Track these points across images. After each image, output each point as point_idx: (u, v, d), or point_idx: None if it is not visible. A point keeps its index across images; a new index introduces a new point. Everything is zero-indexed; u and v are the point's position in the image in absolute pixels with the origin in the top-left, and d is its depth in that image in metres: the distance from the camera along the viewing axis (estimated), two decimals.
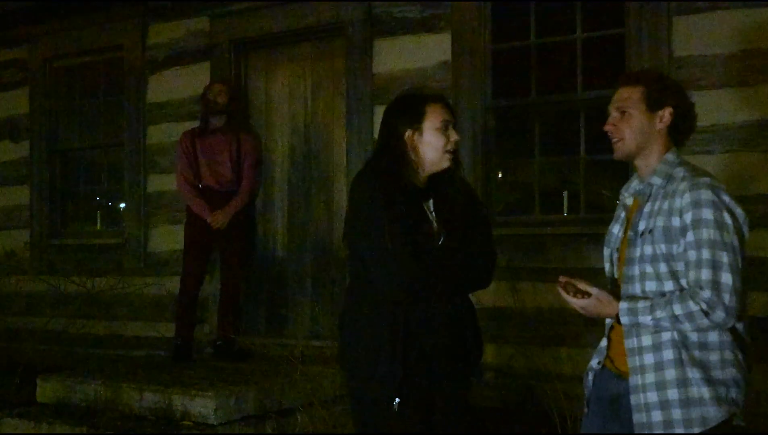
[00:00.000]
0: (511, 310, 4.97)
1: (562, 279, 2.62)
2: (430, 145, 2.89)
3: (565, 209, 5.25)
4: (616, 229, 2.74)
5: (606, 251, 2.77)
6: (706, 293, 2.39)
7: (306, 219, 6.06)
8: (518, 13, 5.23)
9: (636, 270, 2.57)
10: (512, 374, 5.00)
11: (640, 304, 2.49)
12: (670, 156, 2.63)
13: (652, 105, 2.62)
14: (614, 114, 2.68)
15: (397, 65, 5.54)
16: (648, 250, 2.53)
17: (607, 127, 2.70)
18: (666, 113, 2.62)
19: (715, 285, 2.39)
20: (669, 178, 2.57)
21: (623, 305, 2.52)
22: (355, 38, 5.68)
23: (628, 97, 2.65)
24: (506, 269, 4.80)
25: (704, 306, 2.38)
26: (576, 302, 2.59)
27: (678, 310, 2.41)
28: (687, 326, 2.42)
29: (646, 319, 2.47)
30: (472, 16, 5.26)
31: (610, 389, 2.67)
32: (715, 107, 4.51)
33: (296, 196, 6.13)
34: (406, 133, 2.89)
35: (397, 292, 2.78)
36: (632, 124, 2.64)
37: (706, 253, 2.41)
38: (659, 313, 2.44)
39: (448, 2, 5.32)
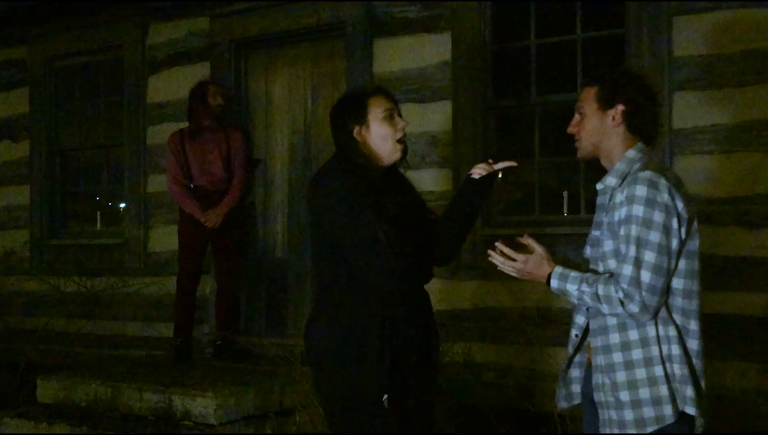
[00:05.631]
0: (511, 310, 4.97)
1: (500, 245, 2.67)
2: (380, 136, 2.94)
3: (565, 209, 5.25)
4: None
5: (588, 250, 2.76)
6: (625, 286, 2.44)
7: (306, 219, 6.05)
8: (518, 13, 5.23)
9: (596, 269, 2.63)
10: (512, 374, 5.00)
11: (573, 274, 2.56)
12: (631, 152, 2.63)
13: (604, 104, 2.64)
14: (575, 116, 2.73)
15: (397, 65, 5.54)
16: (602, 248, 2.59)
17: (569, 130, 2.75)
18: (617, 111, 2.63)
19: (634, 281, 2.43)
20: (626, 176, 2.58)
21: (558, 269, 2.58)
22: (355, 38, 5.68)
23: (584, 98, 2.70)
24: None
25: (622, 295, 2.44)
26: (511, 265, 2.64)
27: (601, 290, 2.48)
28: (604, 308, 2.49)
29: (572, 287, 2.54)
30: (472, 16, 5.26)
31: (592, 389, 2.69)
32: (715, 107, 4.51)
33: (296, 196, 6.13)
34: (355, 130, 2.94)
35: (388, 282, 2.79)
36: (586, 126, 2.68)
37: (631, 250, 2.45)
38: (585, 287, 2.51)
39: (448, 2, 5.32)
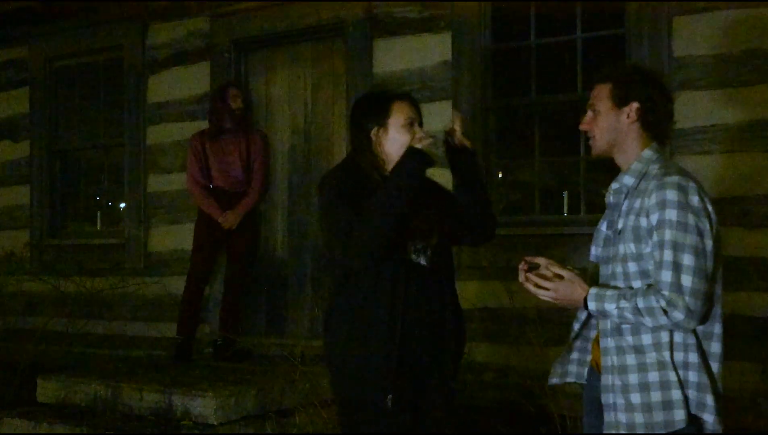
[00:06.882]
0: (511, 310, 4.97)
1: (524, 266, 2.64)
2: (396, 142, 2.95)
3: (565, 209, 5.25)
4: (604, 226, 2.73)
5: (594, 249, 2.75)
6: (667, 293, 2.38)
7: (306, 219, 6.06)
8: (518, 13, 5.23)
9: (609, 269, 2.59)
10: (512, 374, 5.00)
11: (608, 292, 2.49)
12: (648, 152, 2.60)
13: (619, 101, 2.61)
14: (588, 113, 2.69)
15: (397, 65, 5.54)
16: (621, 249, 2.53)
17: (582, 127, 2.71)
18: (632, 109, 2.59)
19: (676, 287, 2.37)
20: (643, 176, 2.56)
21: (593, 290, 2.51)
22: (355, 38, 5.68)
23: (597, 95, 2.66)
24: (506, 269, 4.80)
25: (664, 304, 2.37)
26: (544, 294, 2.59)
27: (641, 303, 2.41)
28: (647, 321, 2.41)
29: (611, 306, 2.47)
30: (472, 16, 5.25)
31: (597, 390, 2.66)
32: (715, 107, 4.52)
33: (296, 196, 6.13)
34: (372, 130, 2.95)
35: (354, 265, 2.84)
36: (600, 123, 2.64)
37: (668, 255, 2.39)
38: (624, 304, 2.44)
39: (448, 2, 5.32)
